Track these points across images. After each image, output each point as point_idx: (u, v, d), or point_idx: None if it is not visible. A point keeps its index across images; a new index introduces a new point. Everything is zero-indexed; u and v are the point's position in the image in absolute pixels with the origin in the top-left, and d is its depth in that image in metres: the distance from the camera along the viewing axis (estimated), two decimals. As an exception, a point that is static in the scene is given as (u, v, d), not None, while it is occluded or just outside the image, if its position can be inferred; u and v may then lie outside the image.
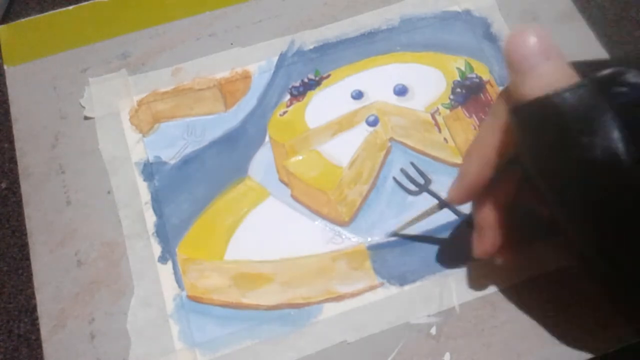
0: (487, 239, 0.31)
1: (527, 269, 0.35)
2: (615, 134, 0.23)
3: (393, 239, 0.36)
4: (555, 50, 0.25)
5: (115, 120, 0.40)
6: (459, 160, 0.39)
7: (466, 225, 0.36)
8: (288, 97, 0.41)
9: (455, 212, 0.37)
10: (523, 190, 0.31)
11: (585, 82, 0.24)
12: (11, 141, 0.40)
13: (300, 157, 0.39)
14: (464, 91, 0.41)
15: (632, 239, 0.25)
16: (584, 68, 0.25)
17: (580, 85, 0.24)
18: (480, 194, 0.31)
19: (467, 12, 0.44)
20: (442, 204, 0.35)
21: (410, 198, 0.38)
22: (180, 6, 0.45)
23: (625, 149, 0.23)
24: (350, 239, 0.37)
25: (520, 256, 0.34)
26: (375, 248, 0.36)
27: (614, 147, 0.23)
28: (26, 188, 0.38)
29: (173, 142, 0.40)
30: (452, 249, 0.36)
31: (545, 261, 0.35)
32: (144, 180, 0.38)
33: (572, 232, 0.27)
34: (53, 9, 0.45)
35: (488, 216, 0.31)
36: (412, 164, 0.39)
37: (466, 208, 0.37)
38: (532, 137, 0.26)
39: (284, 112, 0.41)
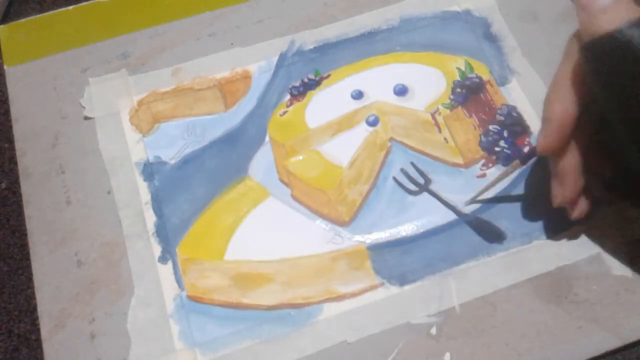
0: (568, 185, 0.32)
1: (528, 268, 0.35)
2: None
3: (394, 238, 0.36)
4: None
5: (115, 120, 0.40)
6: (459, 160, 0.39)
7: (467, 225, 0.37)
8: (288, 97, 0.41)
9: (456, 212, 0.37)
10: (589, 152, 0.32)
11: None
12: (11, 141, 0.40)
13: (300, 157, 0.39)
14: (464, 91, 0.41)
15: None
16: None
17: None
18: (568, 139, 0.31)
19: (467, 12, 0.44)
20: (523, 160, 0.35)
21: (411, 198, 0.38)
22: (180, 6, 0.45)
23: None
24: (350, 239, 0.37)
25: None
26: (375, 248, 0.36)
27: None
28: (26, 188, 0.38)
29: (173, 142, 0.40)
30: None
31: (545, 261, 0.35)
32: (144, 180, 0.38)
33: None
34: (53, 9, 0.45)
35: (570, 161, 0.31)
36: (412, 163, 0.39)
37: (467, 208, 0.37)
38: (604, 72, 0.27)
39: (284, 112, 0.41)
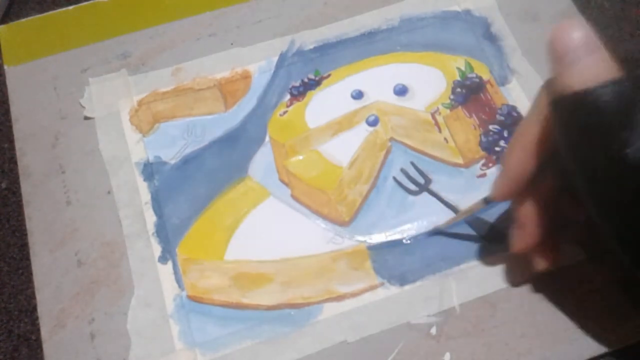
0: (527, 233, 0.31)
1: (527, 268, 0.35)
2: None
3: (394, 238, 0.36)
4: (598, 45, 0.25)
5: (115, 120, 0.40)
6: (459, 160, 0.39)
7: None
8: (288, 97, 0.41)
9: (456, 212, 0.37)
10: (562, 197, 0.31)
11: (626, 78, 0.24)
12: (11, 141, 0.40)
13: (301, 157, 0.39)
14: (464, 91, 0.41)
15: None
16: (628, 65, 0.25)
17: (622, 80, 0.24)
18: (524, 189, 0.30)
19: (467, 12, 0.44)
20: (488, 199, 0.33)
21: (411, 198, 0.38)
22: (180, 6, 0.45)
23: None
24: (350, 239, 0.37)
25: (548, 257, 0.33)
26: (375, 248, 0.36)
27: None
28: (26, 188, 0.38)
29: (173, 142, 0.40)
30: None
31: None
32: (144, 180, 0.38)
33: (602, 227, 0.27)
34: (53, 9, 0.45)
35: (529, 211, 0.31)
36: (412, 163, 0.39)
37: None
38: (572, 130, 0.26)
39: (284, 112, 0.41)
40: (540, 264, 0.32)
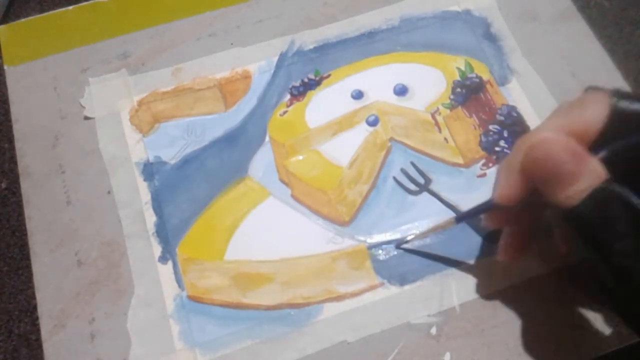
0: (515, 248, 0.32)
1: (527, 269, 0.35)
2: None
3: (394, 238, 0.36)
4: (587, 163, 0.25)
5: (115, 120, 0.40)
6: (459, 160, 0.39)
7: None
8: (288, 97, 0.41)
9: (456, 212, 0.37)
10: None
11: (605, 180, 0.25)
12: (11, 141, 0.40)
13: (301, 157, 0.39)
14: (464, 91, 0.41)
15: None
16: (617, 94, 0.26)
17: (601, 187, 0.25)
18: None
19: (467, 12, 0.44)
20: (459, 218, 0.34)
21: (411, 198, 0.38)
22: (180, 6, 0.45)
23: None
24: (350, 239, 0.37)
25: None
26: (375, 248, 0.36)
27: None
28: (26, 188, 0.38)
29: (173, 142, 0.40)
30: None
31: (545, 261, 0.35)
32: (144, 180, 0.38)
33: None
34: (53, 9, 0.45)
35: (518, 229, 0.32)
36: (412, 163, 0.39)
37: (466, 208, 0.37)
38: (578, 237, 0.27)
39: (284, 112, 0.41)
40: (500, 256, 0.33)
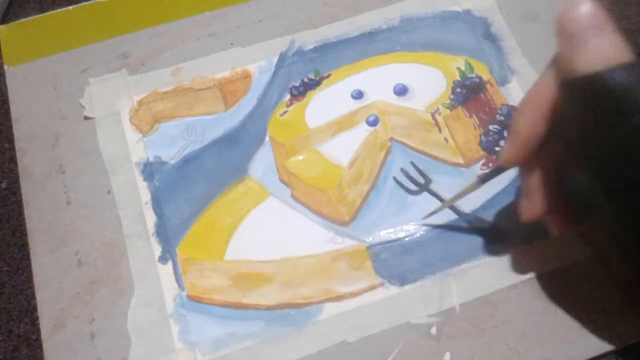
0: (535, 201, 0.30)
1: (527, 269, 0.35)
2: None
3: (394, 236, 0.36)
4: (610, 25, 0.24)
5: (115, 120, 0.40)
6: (459, 160, 0.39)
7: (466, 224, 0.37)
8: (288, 97, 0.41)
9: (456, 212, 0.37)
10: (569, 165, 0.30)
11: (636, 60, 0.23)
12: (11, 141, 0.40)
13: (301, 157, 0.39)
14: (464, 91, 0.41)
15: None
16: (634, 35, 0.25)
17: (633, 64, 0.23)
18: (533, 154, 0.30)
19: (467, 12, 0.44)
20: (483, 179, 0.33)
21: (411, 198, 0.38)
22: (180, 6, 0.45)
23: None
24: (350, 239, 0.37)
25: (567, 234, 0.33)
26: (375, 248, 0.36)
27: None
28: (26, 188, 0.38)
29: (173, 142, 0.40)
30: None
31: (545, 261, 0.35)
32: (144, 180, 0.38)
33: (609, 212, 0.26)
34: (53, 9, 0.45)
35: (536, 178, 0.30)
36: (412, 163, 0.39)
37: (467, 208, 0.37)
38: (580, 113, 0.25)
39: (284, 112, 0.41)
40: (553, 231, 0.32)
